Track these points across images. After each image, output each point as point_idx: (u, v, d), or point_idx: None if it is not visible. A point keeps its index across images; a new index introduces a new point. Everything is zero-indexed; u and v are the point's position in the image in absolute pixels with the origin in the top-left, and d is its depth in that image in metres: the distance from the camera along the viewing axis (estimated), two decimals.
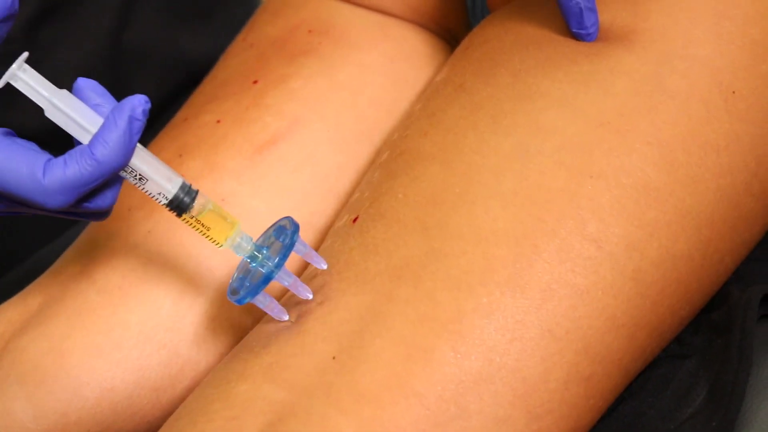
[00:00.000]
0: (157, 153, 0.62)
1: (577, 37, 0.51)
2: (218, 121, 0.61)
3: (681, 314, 0.50)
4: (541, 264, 0.46)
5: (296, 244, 0.46)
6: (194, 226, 0.45)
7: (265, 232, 0.48)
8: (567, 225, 0.46)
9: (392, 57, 0.63)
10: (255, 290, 0.45)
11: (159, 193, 0.44)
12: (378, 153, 0.55)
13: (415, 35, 0.64)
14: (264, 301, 0.46)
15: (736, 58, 0.51)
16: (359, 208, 0.51)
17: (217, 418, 0.44)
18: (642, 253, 0.47)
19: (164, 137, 0.63)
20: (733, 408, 0.47)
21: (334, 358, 0.44)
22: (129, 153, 0.42)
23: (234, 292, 0.46)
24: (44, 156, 0.41)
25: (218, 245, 0.46)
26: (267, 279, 0.45)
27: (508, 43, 0.54)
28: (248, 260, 0.46)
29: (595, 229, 0.46)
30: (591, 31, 0.51)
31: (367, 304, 0.46)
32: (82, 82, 0.43)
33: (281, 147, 0.60)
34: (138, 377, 0.54)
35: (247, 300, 0.45)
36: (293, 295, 0.48)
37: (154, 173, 0.44)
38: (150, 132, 0.77)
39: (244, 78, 0.63)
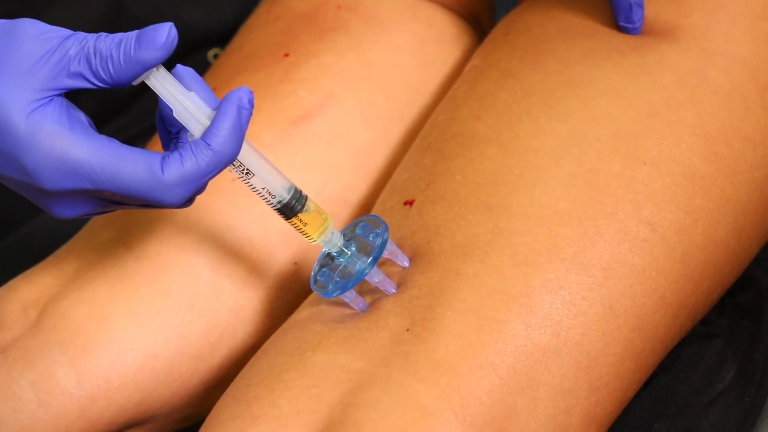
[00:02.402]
0: None
1: (623, 30, 0.54)
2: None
3: (714, 296, 0.53)
4: (602, 244, 0.48)
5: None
6: (294, 224, 0.46)
7: (348, 227, 0.48)
8: (625, 208, 0.49)
9: (422, 38, 0.64)
10: (346, 286, 0.46)
11: (263, 188, 0.44)
12: (421, 134, 0.56)
13: (442, 17, 0.65)
14: (350, 296, 0.47)
15: None
16: (414, 190, 0.52)
17: (294, 386, 0.44)
18: (689, 237, 0.50)
19: None
20: (765, 385, 0.51)
21: (407, 330, 0.46)
22: (240, 143, 0.42)
23: (321, 285, 0.47)
24: (157, 154, 0.41)
25: (311, 240, 0.46)
26: (360, 276, 0.46)
27: (553, 31, 0.56)
28: (335, 255, 0.47)
29: (650, 212, 0.49)
30: (637, 25, 0.54)
31: (436, 280, 0.47)
32: (182, 69, 0.43)
33: (315, 121, 0.60)
34: (179, 344, 0.54)
35: (336, 294, 0.47)
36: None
37: (263, 170, 0.44)
38: (152, 100, 0.76)
39: (273, 50, 0.63)
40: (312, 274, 0.48)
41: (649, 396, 0.52)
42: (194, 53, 0.80)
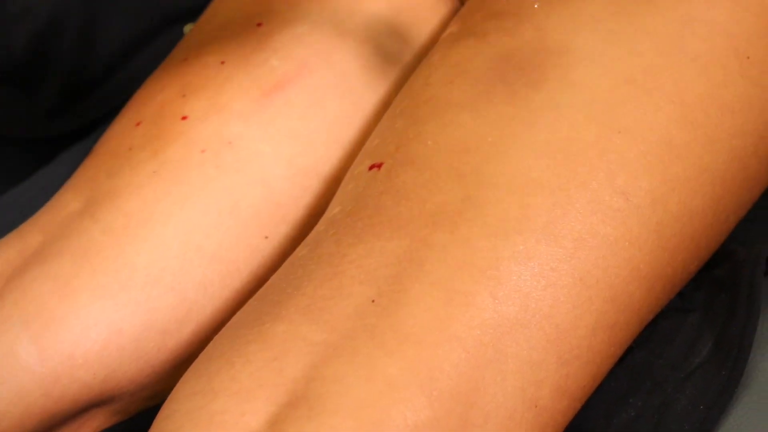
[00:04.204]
0: (158, 92, 0.60)
1: None
2: (222, 62, 0.60)
3: (690, 268, 0.52)
4: (574, 214, 0.47)
5: None
6: None
7: None
8: (598, 177, 0.48)
9: (398, 7, 0.63)
10: None
11: None
12: (395, 101, 0.55)
13: None
14: None
15: (751, 25, 0.53)
16: (383, 154, 0.51)
17: (255, 360, 0.43)
18: (664, 206, 0.49)
19: (164, 75, 0.61)
20: (742, 359, 0.50)
21: (373, 301, 0.45)
22: None
23: None
24: None
25: None
26: None
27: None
28: None
29: (624, 182, 0.48)
30: None
31: (404, 248, 0.46)
32: None
33: (289, 91, 0.59)
34: (146, 320, 0.53)
35: None
36: None
37: None
38: (126, 76, 0.75)
39: (246, 20, 0.62)
40: None
41: (624, 371, 0.51)
42: (171, 28, 0.79)
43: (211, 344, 0.47)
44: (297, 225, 0.58)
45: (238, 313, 0.47)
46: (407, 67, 0.62)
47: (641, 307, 0.49)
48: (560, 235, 0.46)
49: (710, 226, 0.51)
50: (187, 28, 0.77)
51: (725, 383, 0.50)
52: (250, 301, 0.48)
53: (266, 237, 0.57)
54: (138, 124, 0.59)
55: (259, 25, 0.61)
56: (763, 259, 0.53)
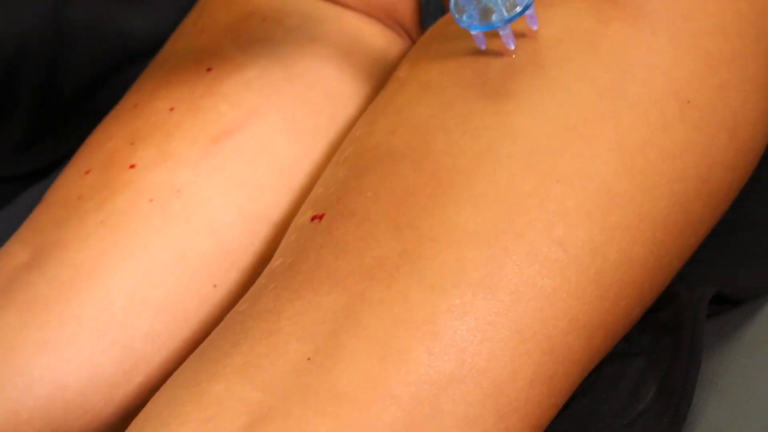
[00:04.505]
0: (108, 139, 0.61)
1: None
2: (171, 109, 0.60)
3: (633, 314, 0.52)
4: (511, 266, 0.47)
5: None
6: None
7: None
8: (536, 228, 0.48)
9: (347, 50, 0.63)
10: (511, 18, 0.50)
11: None
12: (339, 149, 0.55)
13: (370, 28, 0.64)
14: (480, 34, 0.51)
15: (692, 69, 0.53)
16: (325, 204, 0.51)
17: (190, 420, 0.43)
18: (603, 256, 0.49)
19: (114, 123, 0.61)
20: (684, 404, 0.50)
21: (309, 359, 0.45)
22: None
23: (467, 17, 0.50)
24: None
25: None
26: (525, 9, 0.50)
27: (473, 43, 0.54)
28: None
29: (562, 232, 0.48)
30: None
31: (341, 303, 0.46)
32: None
33: (237, 138, 0.59)
34: (92, 374, 0.53)
35: (501, 26, 0.50)
36: None
37: None
38: (90, 111, 0.75)
39: (196, 65, 0.62)
40: (452, 2, 0.51)
41: (567, 419, 0.51)
42: (135, 63, 0.79)
43: (149, 403, 0.47)
44: (247, 271, 0.59)
45: (177, 372, 0.47)
46: (358, 110, 0.63)
47: (581, 357, 0.49)
48: (497, 288, 0.46)
49: (653, 272, 0.52)
50: None
51: (668, 429, 0.50)
52: (189, 358, 0.48)
53: (215, 285, 0.57)
54: (87, 172, 0.59)
55: (209, 69, 0.62)
56: (706, 302, 0.53)
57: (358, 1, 0.64)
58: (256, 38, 0.63)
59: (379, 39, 0.64)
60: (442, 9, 0.64)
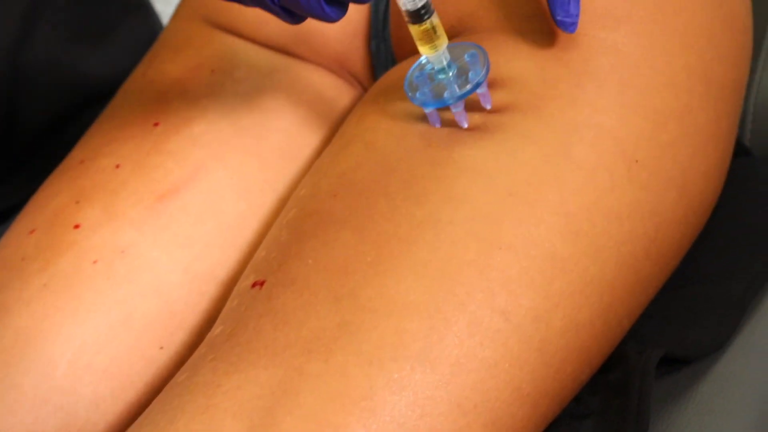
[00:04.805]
0: (53, 197, 0.60)
1: (560, 26, 0.51)
2: (117, 166, 0.59)
3: (581, 378, 0.51)
4: (451, 338, 0.46)
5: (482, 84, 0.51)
6: (425, 28, 0.49)
7: (456, 45, 0.51)
8: (477, 298, 0.47)
9: (297, 101, 0.62)
10: (462, 95, 0.50)
11: None
12: (284, 210, 0.54)
13: (319, 78, 0.63)
14: (435, 112, 0.51)
15: (639, 127, 0.52)
16: (266, 270, 0.51)
17: None
18: (547, 323, 0.48)
19: (60, 180, 0.60)
20: None
21: None
22: None
23: (420, 94, 0.51)
24: None
25: (434, 50, 0.50)
26: (476, 87, 0.50)
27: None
28: (435, 71, 0.51)
29: (504, 301, 0.47)
30: (575, 20, 0.51)
31: (278, 378, 0.45)
32: None
33: (183, 196, 0.58)
34: None
35: (453, 103, 0.50)
36: None
37: None
38: (50, 154, 0.74)
39: (144, 119, 0.61)
40: (406, 81, 0.52)
41: None
42: (95, 106, 0.78)
43: None
44: (194, 331, 0.58)
45: None
46: (308, 162, 0.62)
47: (526, 425, 0.48)
48: (437, 361, 0.45)
49: (600, 335, 0.51)
50: None
51: None
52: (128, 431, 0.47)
53: (162, 347, 0.56)
54: (32, 231, 0.58)
55: (156, 124, 0.61)
56: (654, 365, 0.52)
57: (308, 51, 0.64)
58: (204, 91, 0.62)
59: (330, 89, 0.64)
60: (393, 58, 0.63)
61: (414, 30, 0.50)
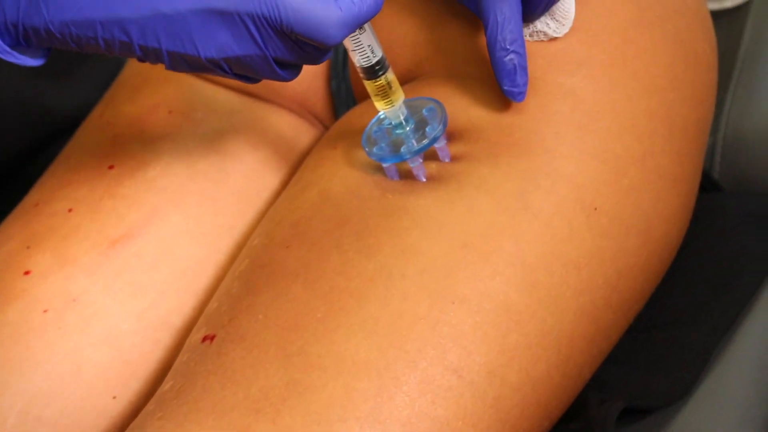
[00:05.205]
0: (5, 242, 0.58)
1: (508, 95, 0.50)
2: (70, 210, 0.58)
3: (540, 431, 0.50)
4: (401, 397, 0.45)
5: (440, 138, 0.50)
6: (380, 84, 0.48)
7: (413, 100, 0.51)
8: (428, 354, 0.46)
9: (255, 143, 0.61)
10: (419, 150, 0.49)
11: (368, 45, 0.47)
12: (237, 259, 0.53)
13: (279, 119, 0.62)
14: (392, 167, 0.51)
15: (599, 173, 0.51)
16: (217, 323, 0.49)
17: None
18: (502, 378, 0.47)
19: (13, 224, 0.59)
20: None
21: None
22: None
23: (377, 149, 0.50)
24: None
25: (389, 106, 0.49)
26: (433, 141, 0.49)
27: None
28: (391, 126, 0.50)
29: (457, 357, 0.46)
30: (523, 89, 0.50)
31: None
32: None
33: (137, 241, 0.57)
34: None
35: (409, 158, 0.49)
36: None
37: (370, 28, 0.47)
38: (16, 189, 0.73)
39: (99, 162, 0.60)
40: (364, 136, 0.51)
41: None
42: (59, 140, 0.77)
43: None
44: (148, 380, 0.56)
45: None
46: (266, 205, 0.61)
47: None
48: (387, 422, 0.44)
49: (558, 388, 0.50)
50: None
51: None
52: None
53: (114, 397, 0.55)
54: None
55: (111, 167, 0.59)
56: (614, 417, 0.51)
57: (267, 92, 0.62)
58: (161, 132, 0.61)
59: (290, 129, 0.62)
60: (354, 98, 0.62)
61: (369, 86, 0.49)
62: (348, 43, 0.47)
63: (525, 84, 0.50)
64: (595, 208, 0.51)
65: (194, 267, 0.57)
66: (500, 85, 0.50)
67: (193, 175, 0.59)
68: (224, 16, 0.43)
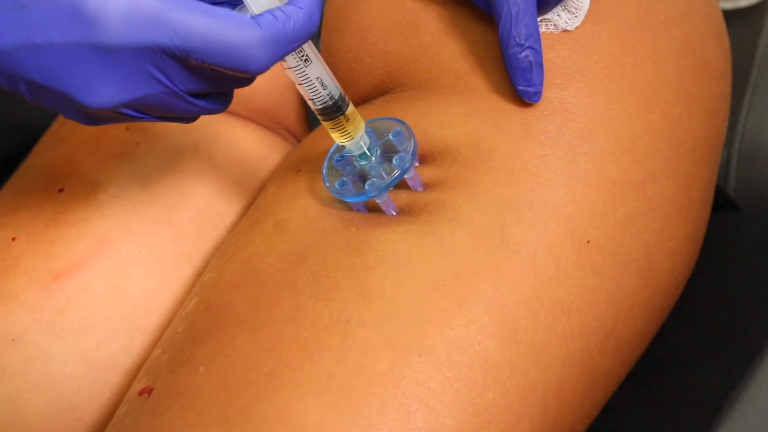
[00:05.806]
0: None
1: (522, 95, 0.45)
2: (13, 239, 0.53)
3: None
4: None
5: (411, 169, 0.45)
6: (337, 122, 0.44)
7: (378, 120, 0.46)
8: (389, 418, 0.40)
9: (220, 162, 0.55)
10: (385, 187, 0.44)
11: (317, 78, 0.42)
12: (188, 297, 0.48)
13: (246, 134, 0.57)
14: (359, 203, 0.46)
15: (592, 201, 0.45)
16: (156, 374, 0.44)
17: None
18: None
19: None
20: None
21: None
22: (320, 12, 0.41)
23: (336, 190, 0.45)
24: (245, 16, 0.38)
25: (346, 140, 0.44)
26: (402, 174, 0.44)
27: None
28: (356, 158, 0.45)
29: (423, 421, 0.40)
30: (539, 89, 0.45)
31: None
32: None
33: (84, 274, 0.52)
34: None
35: (375, 195, 0.44)
36: None
37: (318, 58, 0.42)
38: None
39: (48, 183, 0.55)
40: (324, 167, 0.46)
41: None
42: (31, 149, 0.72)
43: None
44: (95, 425, 0.51)
45: None
46: (228, 230, 0.55)
47: None
48: None
49: None
50: None
51: None
52: None
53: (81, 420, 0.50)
54: None
55: (60, 190, 0.54)
56: None
57: (234, 104, 0.57)
58: (117, 150, 0.55)
59: (259, 145, 0.57)
60: None
61: (325, 122, 0.43)
62: (293, 75, 0.41)
63: (541, 83, 0.45)
64: (588, 242, 0.44)
65: (146, 302, 0.52)
66: (514, 84, 0.44)
67: (148, 198, 0.54)
68: (111, 52, 0.37)
